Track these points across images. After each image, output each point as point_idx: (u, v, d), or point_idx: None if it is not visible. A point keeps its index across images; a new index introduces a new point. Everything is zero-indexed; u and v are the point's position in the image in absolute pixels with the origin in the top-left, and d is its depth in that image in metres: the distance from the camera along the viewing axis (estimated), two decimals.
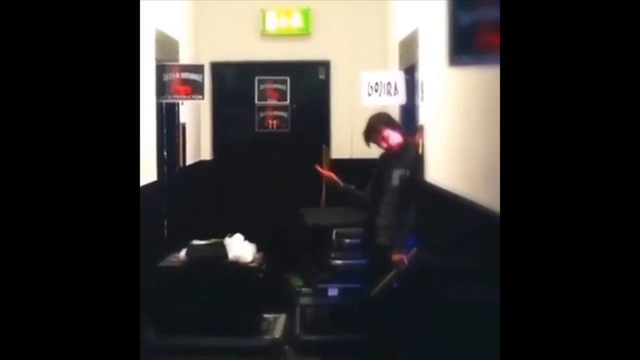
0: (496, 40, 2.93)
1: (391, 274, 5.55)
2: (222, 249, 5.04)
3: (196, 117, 8.34)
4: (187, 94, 6.55)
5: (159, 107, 6.29)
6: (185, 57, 7.44)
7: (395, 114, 7.36)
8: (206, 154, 8.78)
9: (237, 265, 5.02)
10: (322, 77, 8.87)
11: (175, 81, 6.41)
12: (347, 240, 6.61)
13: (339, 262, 6.74)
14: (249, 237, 5.35)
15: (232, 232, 5.32)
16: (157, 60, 6.15)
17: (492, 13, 2.91)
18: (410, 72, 6.61)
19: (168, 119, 6.75)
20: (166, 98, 6.41)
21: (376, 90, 6.56)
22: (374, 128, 5.89)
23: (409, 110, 6.71)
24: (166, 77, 6.34)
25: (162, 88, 6.28)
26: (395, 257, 5.55)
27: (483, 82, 4.07)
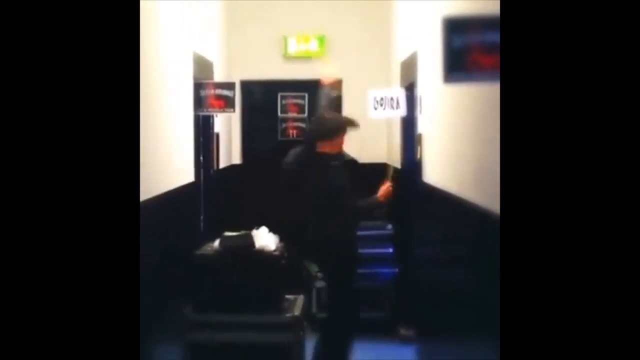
0: (485, 60, 2.92)
1: None
2: (250, 240, 5.03)
3: (228, 127, 8.34)
4: (220, 108, 6.56)
5: (197, 119, 6.29)
6: (219, 76, 7.45)
7: (398, 125, 7.35)
8: (236, 158, 8.79)
9: (263, 254, 5.01)
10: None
11: (211, 96, 6.42)
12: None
13: None
14: (272, 230, 5.35)
15: (258, 225, 5.31)
16: (195, 79, 6.16)
17: (481, 37, 2.89)
18: (410, 88, 6.59)
19: (204, 128, 6.76)
20: (202, 111, 6.42)
21: (381, 105, 6.55)
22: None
23: (409, 121, 6.69)
24: (203, 93, 6.35)
25: (199, 102, 6.29)
26: None
27: (474, 96, 4.05)
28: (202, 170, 6.60)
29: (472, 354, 4.17)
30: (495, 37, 2.90)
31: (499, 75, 2.92)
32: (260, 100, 8.95)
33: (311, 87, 8.80)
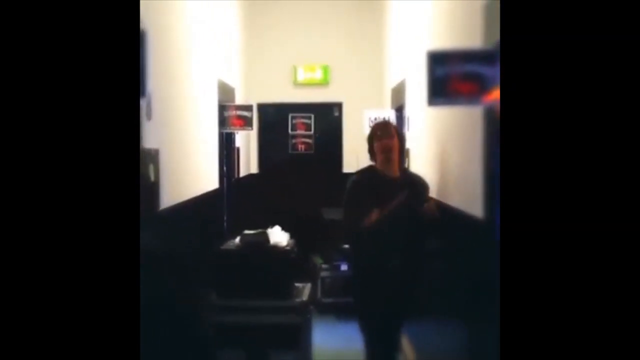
0: (462, 87, 2.91)
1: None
2: (266, 237, 5.02)
3: (247, 142, 8.35)
4: (240, 126, 6.56)
5: (221, 135, 6.30)
6: (239, 99, 7.46)
7: None
8: (254, 169, 8.79)
9: (276, 248, 5.00)
10: (336, 114, 8.87)
11: (232, 117, 6.42)
12: None
13: (347, 246, 6.77)
14: (284, 228, 5.34)
15: (272, 225, 5.30)
16: (219, 102, 6.16)
17: (460, 68, 2.89)
18: (399, 110, 6.58)
19: (227, 143, 6.76)
20: (226, 129, 6.42)
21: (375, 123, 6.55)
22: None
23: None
24: (226, 114, 6.35)
25: (222, 121, 6.29)
26: None
27: (453, 117, 4.04)
28: (225, 178, 6.60)
29: (449, 334, 4.16)
30: (471, 67, 2.90)
31: (475, 99, 2.92)
32: (274, 120, 8.95)
33: (316, 109, 8.84)
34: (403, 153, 4.62)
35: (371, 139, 4.49)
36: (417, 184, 4.46)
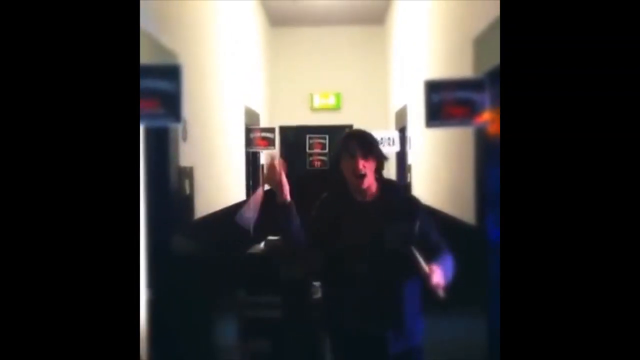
0: (455, 111, 2.92)
1: None
2: None
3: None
4: (264, 146, 6.58)
5: (247, 154, 6.33)
6: (264, 123, 7.49)
7: (393, 158, 7.34)
8: None
9: (296, 252, 5.00)
10: None
11: (257, 138, 6.44)
12: None
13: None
14: None
15: None
16: (246, 125, 6.20)
17: (453, 94, 2.90)
18: (402, 131, 6.59)
19: (253, 161, 6.79)
20: (252, 148, 6.45)
21: (381, 143, 6.54)
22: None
23: (402, 155, 6.69)
24: (252, 135, 6.38)
25: (249, 142, 6.32)
26: None
27: (448, 136, 4.04)
28: (251, 191, 6.62)
29: (442, 335, 4.14)
30: (463, 94, 2.91)
31: (467, 121, 2.93)
32: (294, 140, 8.99)
33: (330, 130, 8.87)
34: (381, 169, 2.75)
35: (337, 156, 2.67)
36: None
